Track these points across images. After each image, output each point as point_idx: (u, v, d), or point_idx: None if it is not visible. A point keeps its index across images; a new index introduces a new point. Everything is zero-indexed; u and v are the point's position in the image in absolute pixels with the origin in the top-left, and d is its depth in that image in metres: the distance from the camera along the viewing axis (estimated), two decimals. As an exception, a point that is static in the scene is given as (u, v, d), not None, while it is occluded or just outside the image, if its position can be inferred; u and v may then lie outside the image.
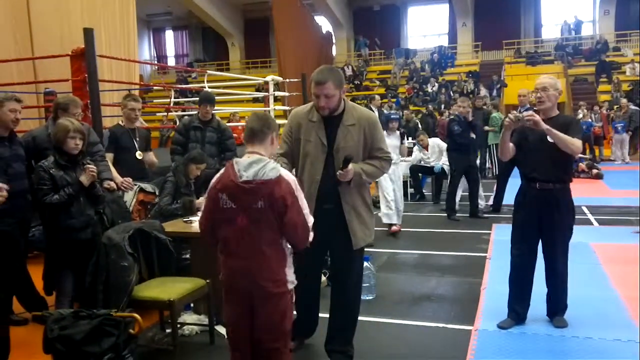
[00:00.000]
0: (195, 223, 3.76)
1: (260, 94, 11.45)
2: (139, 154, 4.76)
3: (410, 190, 9.23)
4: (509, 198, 7.58)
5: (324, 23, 22.22)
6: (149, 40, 28.22)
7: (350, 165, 2.86)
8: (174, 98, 9.89)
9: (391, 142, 6.17)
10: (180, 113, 10.17)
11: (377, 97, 11.01)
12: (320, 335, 3.26)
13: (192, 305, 3.79)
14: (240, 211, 2.31)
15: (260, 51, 25.23)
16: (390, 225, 6.47)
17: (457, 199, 7.59)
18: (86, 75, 5.26)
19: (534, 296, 3.59)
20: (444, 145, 8.21)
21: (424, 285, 4.65)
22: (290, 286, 2.41)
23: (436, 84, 19.95)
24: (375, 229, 3.24)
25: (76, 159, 3.44)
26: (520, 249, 3.53)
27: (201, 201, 3.99)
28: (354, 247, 3.00)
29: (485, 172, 10.82)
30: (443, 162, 8.45)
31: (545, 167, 3.40)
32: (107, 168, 4.15)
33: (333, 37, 21.73)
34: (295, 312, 3.33)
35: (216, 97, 5.62)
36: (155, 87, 19.30)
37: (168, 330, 3.45)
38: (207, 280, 3.36)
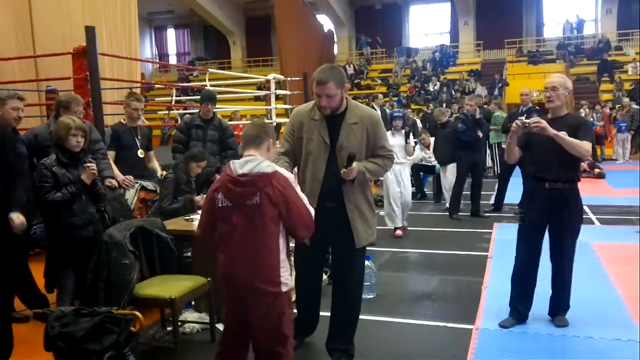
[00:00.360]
0: (196, 221, 3.76)
1: (262, 93, 11.43)
2: (140, 152, 4.78)
3: (412, 189, 9.21)
4: (510, 197, 7.64)
5: (325, 21, 22.20)
6: (150, 39, 28.22)
7: (354, 164, 2.86)
8: (176, 96, 9.88)
9: (397, 141, 6.10)
10: (181, 111, 10.17)
11: (380, 95, 10.99)
12: (321, 333, 3.26)
13: (193, 303, 3.80)
14: (236, 209, 2.34)
15: (261, 49, 25.20)
16: (396, 229, 6.40)
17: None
18: (88, 73, 5.26)
19: (534, 295, 3.58)
20: None
21: (425, 284, 4.66)
22: (285, 288, 2.40)
23: (438, 83, 19.92)
24: (377, 227, 3.24)
25: (78, 156, 3.45)
26: (527, 247, 3.50)
27: (202, 199, 3.99)
28: (357, 245, 3.00)
29: (486, 172, 10.81)
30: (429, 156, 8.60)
31: (555, 166, 3.37)
32: (109, 166, 4.15)
33: (335, 36, 21.70)
34: (296, 311, 3.35)
35: (217, 96, 5.63)
36: (156, 86, 19.28)
37: (169, 328, 3.46)
38: (208, 278, 3.36)
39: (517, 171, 7.39)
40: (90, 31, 5.22)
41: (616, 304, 3.94)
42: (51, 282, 3.76)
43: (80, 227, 3.41)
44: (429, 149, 8.83)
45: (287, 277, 2.42)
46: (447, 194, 7.76)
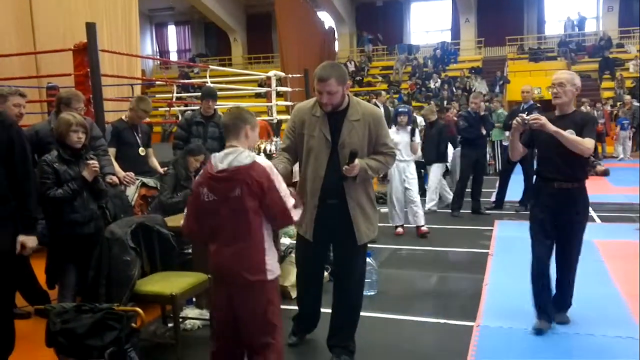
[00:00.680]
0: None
1: (263, 90, 11.44)
2: (141, 150, 4.79)
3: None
4: (511, 195, 7.64)
5: (326, 18, 22.16)
6: (151, 35, 28.21)
7: (357, 161, 2.85)
8: (176, 93, 9.88)
9: (401, 138, 6.02)
10: (182, 108, 10.16)
11: (383, 92, 10.99)
12: (322, 330, 3.27)
13: (194, 299, 3.81)
14: (221, 202, 2.36)
15: (262, 46, 25.19)
16: (396, 226, 6.36)
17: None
18: (88, 69, 5.26)
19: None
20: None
21: (426, 281, 4.66)
22: (271, 276, 2.41)
23: (439, 80, 19.90)
24: (378, 225, 3.23)
25: (79, 153, 3.44)
26: (540, 244, 3.41)
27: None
28: (358, 242, 3.00)
29: (488, 169, 10.80)
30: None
31: (562, 166, 3.32)
32: (110, 163, 4.15)
33: (335, 33, 21.68)
34: (297, 307, 3.36)
35: (218, 93, 5.63)
36: (157, 82, 19.24)
37: (170, 325, 3.47)
38: (209, 275, 3.36)
39: (518, 169, 7.40)
40: (91, 28, 5.22)
41: (617, 302, 3.94)
42: (52, 279, 3.76)
43: (81, 223, 3.41)
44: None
45: (274, 265, 2.43)
46: (431, 195, 7.66)
